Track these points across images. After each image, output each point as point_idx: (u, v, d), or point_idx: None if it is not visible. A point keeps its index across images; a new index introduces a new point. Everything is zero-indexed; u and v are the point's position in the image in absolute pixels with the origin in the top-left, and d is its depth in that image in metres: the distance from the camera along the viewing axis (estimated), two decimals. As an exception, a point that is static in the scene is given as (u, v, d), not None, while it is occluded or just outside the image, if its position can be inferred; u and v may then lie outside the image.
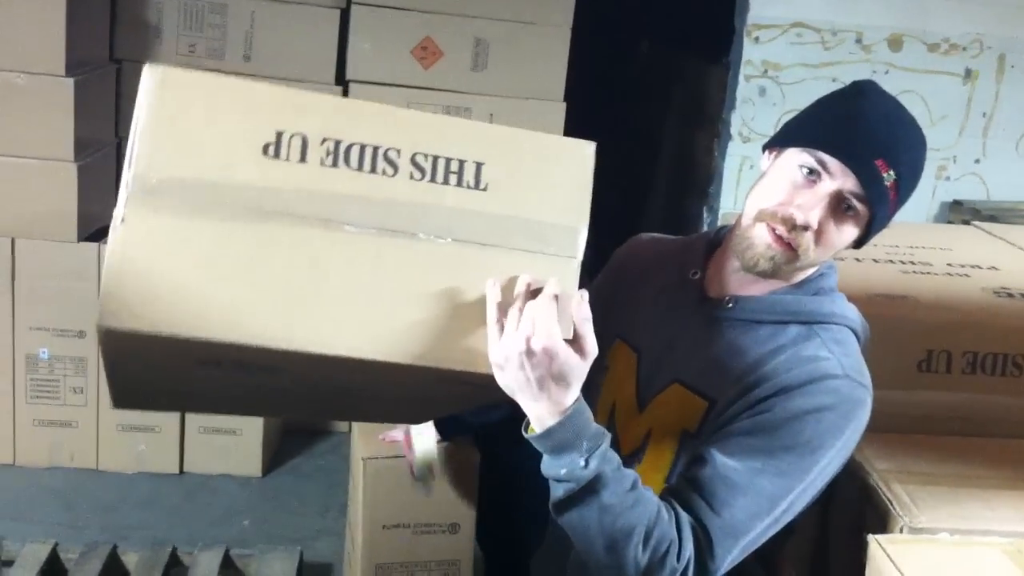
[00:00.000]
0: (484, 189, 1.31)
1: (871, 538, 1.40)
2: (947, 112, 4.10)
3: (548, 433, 1.31)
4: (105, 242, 1.51)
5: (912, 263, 1.98)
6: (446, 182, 1.30)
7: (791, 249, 1.42)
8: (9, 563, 3.18)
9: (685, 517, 1.35)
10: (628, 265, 1.68)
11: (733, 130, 4.07)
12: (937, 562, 1.34)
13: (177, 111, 1.26)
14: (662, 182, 5.16)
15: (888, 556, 1.35)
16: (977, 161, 4.20)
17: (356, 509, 2.94)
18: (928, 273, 1.94)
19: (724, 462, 1.36)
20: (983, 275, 1.94)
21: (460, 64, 4.08)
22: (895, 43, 4.01)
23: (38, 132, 3.70)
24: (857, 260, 1.96)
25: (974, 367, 1.73)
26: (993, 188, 4.24)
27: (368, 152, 1.29)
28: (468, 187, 1.31)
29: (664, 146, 5.13)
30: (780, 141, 1.50)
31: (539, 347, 1.25)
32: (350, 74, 4.06)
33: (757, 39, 3.99)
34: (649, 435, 1.50)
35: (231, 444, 4.11)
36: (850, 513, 1.61)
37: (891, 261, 1.98)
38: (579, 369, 1.29)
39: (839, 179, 1.40)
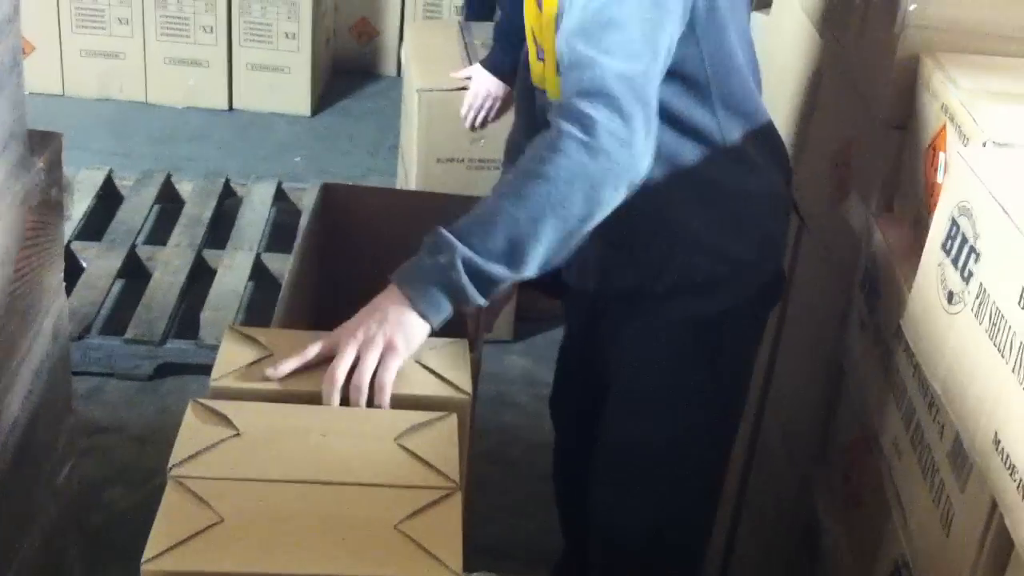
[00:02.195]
0: None
1: (953, 150, 1.35)
2: None
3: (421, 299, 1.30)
4: None
5: None
6: None
7: None
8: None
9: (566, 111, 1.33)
10: None
11: None
12: (1020, 173, 1.29)
13: None
14: None
15: (970, 167, 1.29)
16: None
17: (410, 142, 2.92)
18: None
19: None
20: None
21: None
22: None
23: None
24: None
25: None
26: None
27: None
28: None
29: None
30: None
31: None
32: None
33: None
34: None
35: (280, 81, 4.06)
36: (929, 133, 1.55)
37: None
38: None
39: None
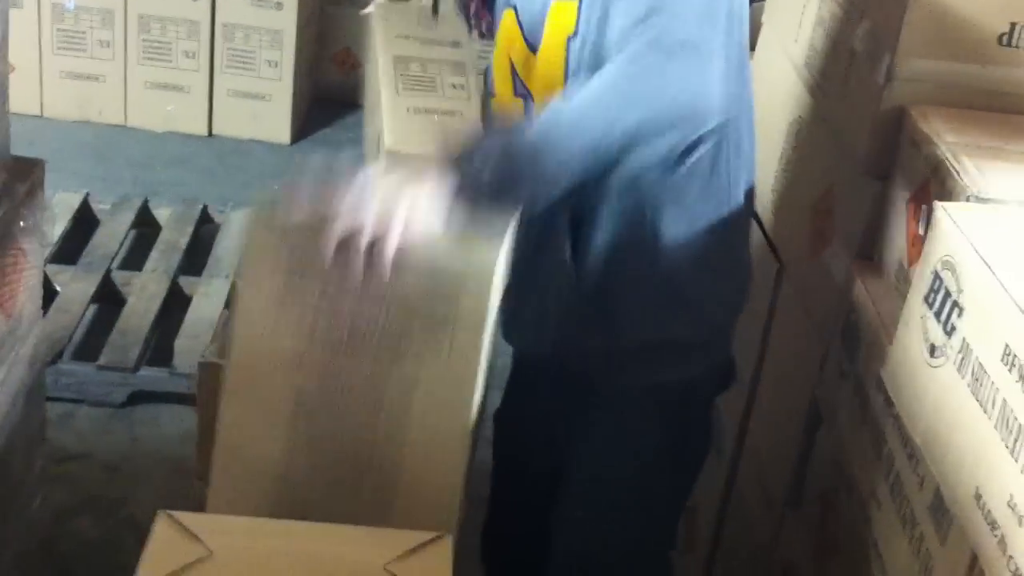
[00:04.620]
0: None
1: (937, 205, 1.36)
2: None
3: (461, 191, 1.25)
4: None
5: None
6: None
7: None
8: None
9: None
10: None
11: None
12: (1004, 229, 1.30)
13: None
14: None
15: (954, 222, 1.31)
16: None
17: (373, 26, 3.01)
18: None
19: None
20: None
21: None
22: None
23: None
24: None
25: (1058, 46, 1.64)
26: None
27: None
28: None
29: None
30: None
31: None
32: None
33: None
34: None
35: (260, 109, 4.05)
36: (913, 186, 1.56)
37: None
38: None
39: None
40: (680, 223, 1.49)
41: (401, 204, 1.23)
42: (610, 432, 1.59)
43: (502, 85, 1.60)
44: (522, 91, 1.56)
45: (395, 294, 1.26)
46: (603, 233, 1.49)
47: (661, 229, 1.48)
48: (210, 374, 1.60)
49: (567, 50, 1.46)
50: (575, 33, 1.45)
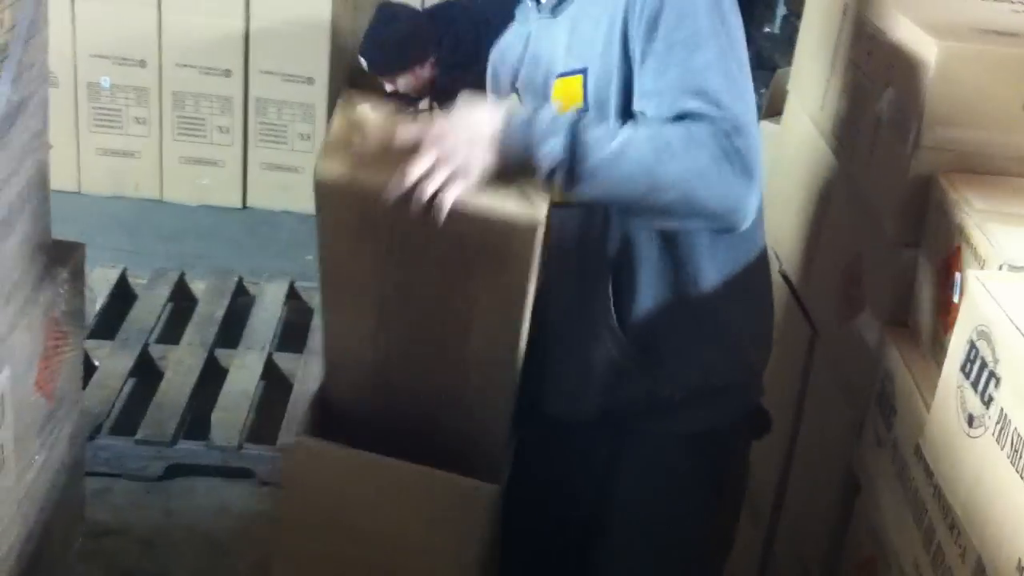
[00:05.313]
0: None
1: (971, 273, 1.36)
2: None
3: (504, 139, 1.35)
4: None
5: (1024, 4, 1.86)
6: None
7: None
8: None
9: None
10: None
11: None
12: (1038, 298, 1.31)
13: None
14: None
15: (988, 291, 1.31)
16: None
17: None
18: (1041, 13, 1.83)
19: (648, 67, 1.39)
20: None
21: None
22: None
23: None
24: (966, -3, 1.86)
25: (1082, 111, 1.64)
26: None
27: None
28: None
29: None
30: None
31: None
32: None
33: None
34: None
35: (293, 181, 4.10)
36: (942, 252, 1.57)
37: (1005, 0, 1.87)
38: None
39: None
40: (715, 272, 1.52)
41: (462, 154, 1.34)
42: (649, 482, 1.60)
43: None
44: None
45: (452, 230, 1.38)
46: (645, 293, 1.51)
47: (700, 281, 1.51)
48: (297, 454, 1.61)
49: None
50: (584, 106, 1.47)
